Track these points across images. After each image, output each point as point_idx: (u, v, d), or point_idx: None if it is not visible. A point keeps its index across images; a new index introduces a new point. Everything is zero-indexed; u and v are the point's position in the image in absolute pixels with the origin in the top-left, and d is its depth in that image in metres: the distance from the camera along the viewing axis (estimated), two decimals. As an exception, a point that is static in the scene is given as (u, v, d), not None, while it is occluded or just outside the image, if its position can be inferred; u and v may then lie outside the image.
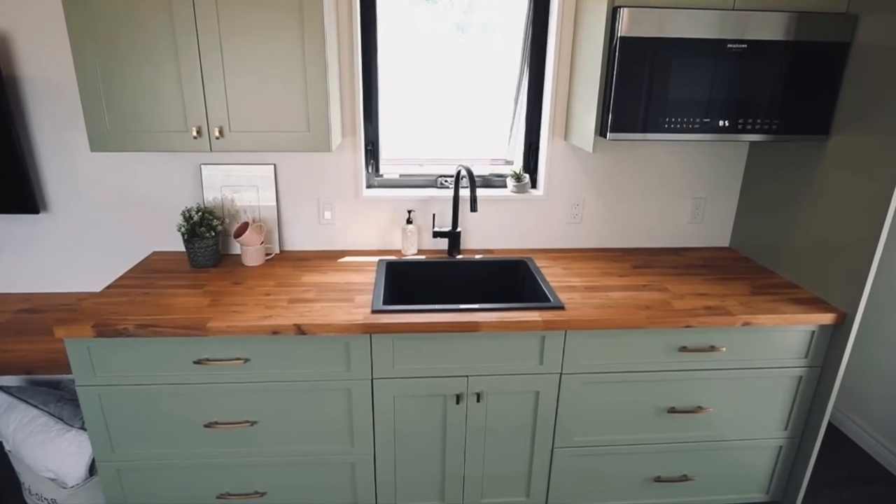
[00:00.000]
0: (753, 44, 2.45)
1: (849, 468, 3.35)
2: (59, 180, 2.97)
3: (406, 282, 3.06)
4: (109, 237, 3.08)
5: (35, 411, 2.78)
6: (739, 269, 3.02)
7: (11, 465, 3.17)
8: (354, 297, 2.58)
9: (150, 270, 2.87)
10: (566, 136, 3.05)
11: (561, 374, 2.56)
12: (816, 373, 2.68)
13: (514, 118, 3.24)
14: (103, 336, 2.30)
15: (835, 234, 2.59)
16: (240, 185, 3.01)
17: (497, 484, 2.76)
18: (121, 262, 3.12)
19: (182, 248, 3.08)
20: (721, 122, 2.54)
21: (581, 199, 3.21)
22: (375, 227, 3.16)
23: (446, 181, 3.23)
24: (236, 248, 3.10)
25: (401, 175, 3.24)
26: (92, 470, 2.71)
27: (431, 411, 2.59)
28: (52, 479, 2.72)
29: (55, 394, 2.94)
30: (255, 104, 2.49)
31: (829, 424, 3.73)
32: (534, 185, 3.28)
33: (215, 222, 2.91)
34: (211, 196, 3.01)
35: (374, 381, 2.50)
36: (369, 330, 2.36)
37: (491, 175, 3.27)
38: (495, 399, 2.59)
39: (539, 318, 2.42)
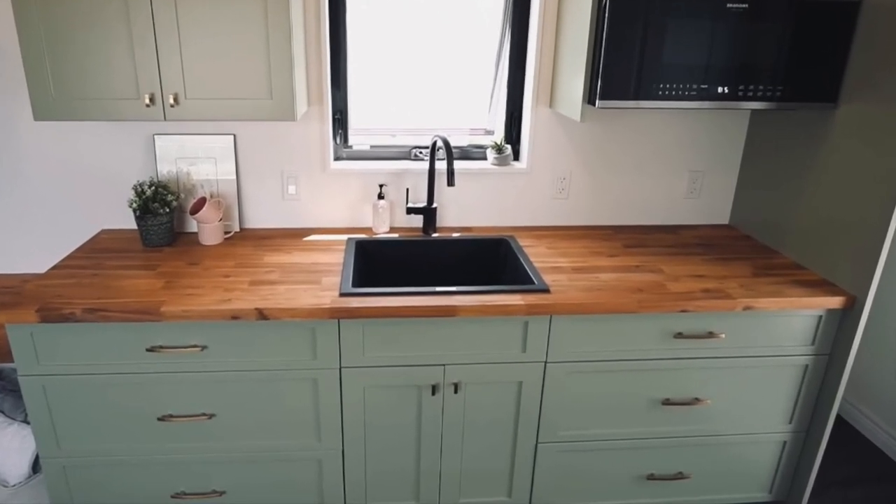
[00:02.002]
0: (755, 3, 2.49)
1: (859, 465, 3.41)
2: (-3, 152, 3.01)
3: (377, 262, 3.11)
4: (54, 214, 3.13)
5: (-27, 404, 2.81)
6: (740, 249, 3.09)
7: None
8: (321, 279, 2.63)
9: (99, 250, 2.92)
10: (551, 104, 3.11)
11: (545, 362, 2.62)
12: (824, 361, 2.74)
13: (494, 84, 3.29)
14: (48, 321, 2.34)
15: (843, 211, 2.65)
16: (196, 158, 3.06)
17: (476, 482, 2.83)
18: (67, 242, 3.17)
19: (133, 225, 3.12)
20: (720, 89, 2.60)
21: (568, 173, 3.27)
22: (344, 202, 3.22)
23: (421, 153, 3.29)
24: (192, 225, 3.15)
25: (372, 146, 3.29)
26: (36, 467, 2.76)
27: (405, 403, 2.65)
28: (-7, 477, 2.76)
29: (-5, 385, 2.98)
30: (214, 69, 2.53)
31: (838, 418, 3.79)
32: (516, 157, 3.33)
33: (170, 197, 2.96)
34: (165, 169, 3.06)
35: (343, 370, 2.55)
36: (337, 315, 2.41)
37: (469, 146, 3.33)
38: (474, 390, 2.65)
39: (522, 302, 2.47)
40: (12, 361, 2.47)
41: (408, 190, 3.16)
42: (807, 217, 2.86)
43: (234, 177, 3.11)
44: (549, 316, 2.54)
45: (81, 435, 2.60)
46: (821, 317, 2.67)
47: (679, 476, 2.91)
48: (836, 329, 2.69)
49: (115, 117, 2.56)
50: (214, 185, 3.11)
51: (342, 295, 2.49)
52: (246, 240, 3.08)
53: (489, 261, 3.17)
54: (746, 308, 2.56)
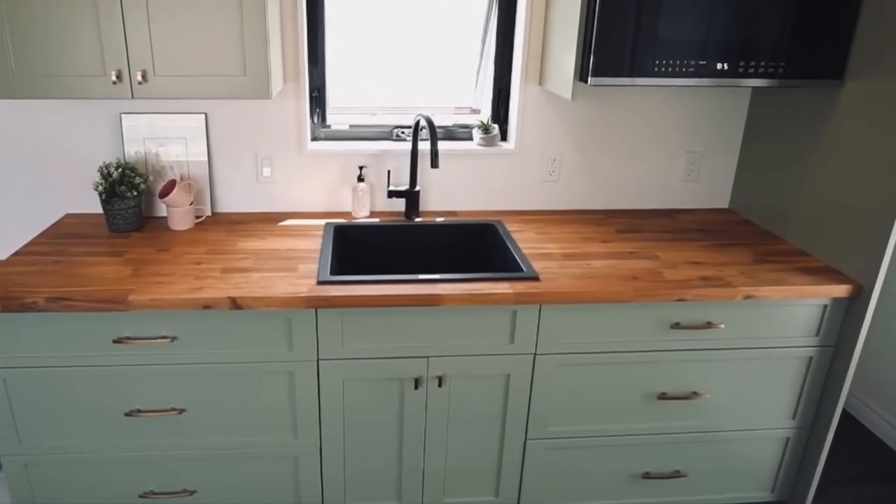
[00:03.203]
0: (756, -27, 2.52)
1: (866, 463, 3.45)
2: (-47, 132, 3.03)
3: (357, 248, 3.15)
4: (15, 198, 3.16)
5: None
6: (740, 234, 3.13)
7: None
8: (298, 267, 2.67)
9: (63, 235, 2.95)
10: (541, 81, 3.14)
11: (535, 354, 2.66)
12: (829, 353, 2.79)
13: (481, 60, 3.32)
14: (8, 311, 2.36)
15: (850, 195, 2.68)
16: (166, 138, 3.09)
17: (462, 481, 2.87)
18: (29, 227, 3.20)
19: (99, 209, 3.13)
20: (719, 65, 2.63)
21: (558, 154, 3.31)
22: (322, 185, 3.25)
23: (403, 133, 3.31)
24: (162, 209, 3.17)
25: (351, 126, 3.32)
26: (-4, 465, 2.80)
27: (386, 397, 2.69)
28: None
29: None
30: (184, 44, 2.56)
31: (844, 412, 3.83)
32: (504, 137, 3.37)
33: (137, 180, 2.98)
34: (133, 150, 3.09)
35: (321, 362, 2.58)
36: (315, 304, 2.44)
37: (454, 126, 3.37)
38: (459, 383, 2.69)
39: (510, 291, 2.51)
40: (-30, 354, 2.49)
41: (389, 172, 3.19)
42: (811, 200, 2.89)
43: (206, 158, 3.14)
44: (538, 305, 2.57)
45: (44, 431, 2.63)
46: (826, 306, 2.70)
47: (676, 475, 2.96)
48: (842, 319, 2.73)
49: (79, 95, 2.58)
50: (185, 167, 3.14)
51: (320, 283, 2.52)
52: (218, 225, 3.10)
53: (475, 247, 3.21)
54: (747, 297, 2.59)
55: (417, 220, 3.21)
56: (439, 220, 3.22)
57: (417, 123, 3.07)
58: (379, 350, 2.59)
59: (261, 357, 2.56)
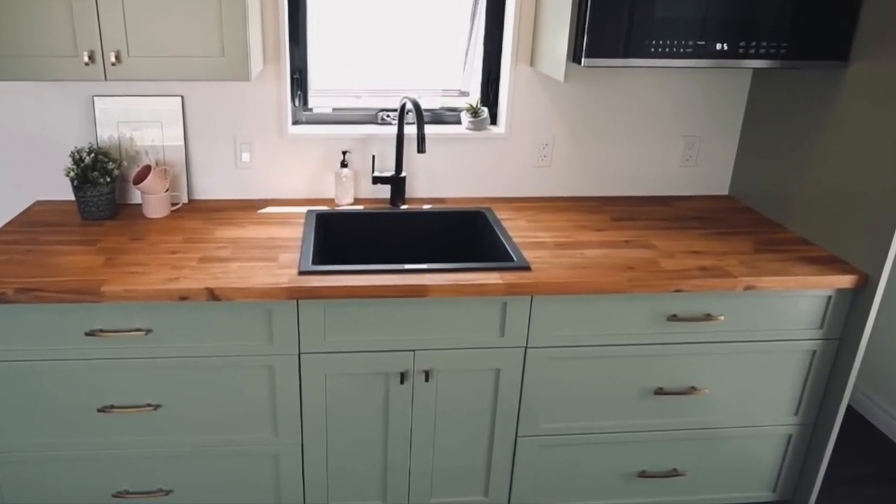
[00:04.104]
0: (757, -50, 2.54)
1: (872, 461, 3.48)
2: (-84, 115, 3.03)
3: (340, 237, 3.17)
4: (-18, 184, 3.16)
5: None
6: (740, 222, 3.15)
7: None
8: (278, 256, 2.69)
9: (33, 223, 2.96)
10: (533, 63, 3.16)
11: (526, 347, 2.68)
12: (833, 346, 2.82)
13: (469, 40, 3.34)
14: None
15: (855, 180, 2.71)
16: (140, 122, 3.11)
17: (449, 480, 2.90)
18: (-4, 215, 3.20)
19: (71, 196, 3.13)
20: (719, 46, 2.65)
21: (550, 139, 3.34)
22: (303, 171, 3.28)
23: (388, 116, 3.34)
24: (136, 196, 3.18)
25: (334, 109, 3.34)
26: (-37, 464, 2.82)
27: (371, 393, 2.71)
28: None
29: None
30: (160, 23, 2.57)
31: (849, 409, 3.85)
32: (493, 120, 3.39)
33: (111, 166, 3.00)
34: (106, 134, 3.11)
35: (302, 356, 2.61)
36: (296, 295, 2.46)
37: (442, 109, 3.39)
38: (447, 378, 2.72)
39: (500, 281, 2.53)
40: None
41: (374, 157, 3.21)
42: (814, 187, 2.92)
43: (182, 143, 3.16)
44: (529, 296, 2.60)
45: (13, 428, 2.65)
46: (830, 297, 2.73)
47: (673, 473, 2.99)
48: (847, 311, 2.76)
49: (50, 77, 2.61)
50: (160, 152, 3.16)
51: (301, 273, 2.54)
52: (195, 212, 3.12)
53: (464, 235, 3.23)
54: (748, 288, 2.62)
55: (403, 207, 3.23)
56: (426, 207, 3.24)
57: (403, 106, 3.08)
58: (363, 343, 2.61)
59: (239, 351, 2.58)
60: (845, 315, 2.77)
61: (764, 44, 2.67)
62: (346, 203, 3.25)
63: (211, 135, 3.19)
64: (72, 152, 3.01)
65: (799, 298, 2.71)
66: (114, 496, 2.80)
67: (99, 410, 2.62)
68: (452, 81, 3.42)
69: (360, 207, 3.22)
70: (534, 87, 3.24)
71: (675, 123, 3.38)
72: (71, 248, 2.73)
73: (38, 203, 3.20)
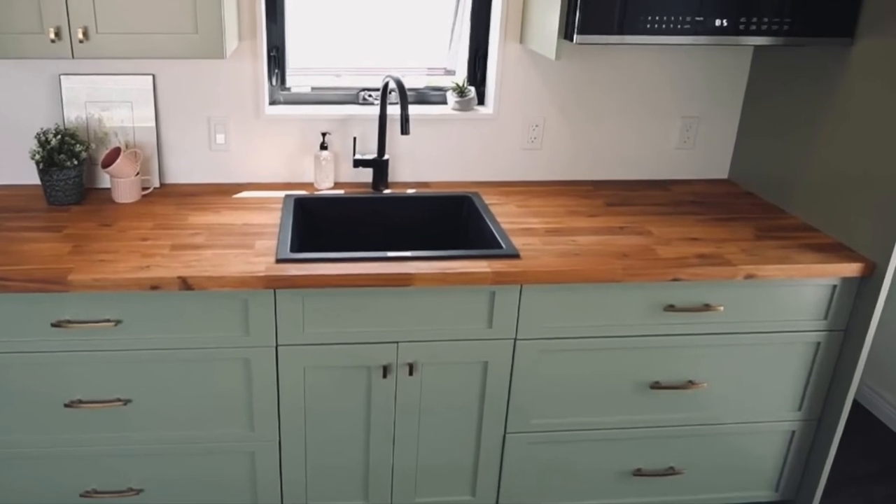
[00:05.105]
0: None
1: (879, 459, 3.52)
2: None
3: (320, 223, 3.19)
4: (-60, 168, 3.16)
5: None
6: (741, 208, 3.18)
7: None
8: (254, 243, 2.71)
9: (-5, 209, 2.96)
10: (522, 40, 3.18)
11: (515, 339, 2.71)
12: (838, 338, 2.84)
13: (456, 16, 3.35)
14: None
15: (861, 163, 2.73)
16: (110, 102, 3.12)
17: (435, 478, 2.92)
18: (-43, 201, 3.21)
19: (36, 180, 3.11)
20: (718, 22, 2.67)
21: (541, 119, 3.36)
22: (281, 153, 3.29)
23: (370, 96, 3.35)
24: (105, 180, 3.18)
25: (313, 88, 3.36)
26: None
27: (352, 387, 2.73)
28: None
29: None
30: (130, -2, 2.56)
31: (855, 403, 3.87)
32: (481, 100, 3.40)
33: (78, 148, 3.00)
34: (73, 115, 3.12)
35: (280, 348, 2.63)
36: (273, 284, 2.48)
37: (427, 88, 3.41)
38: (432, 371, 2.74)
39: (488, 270, 2.55)
40: None
41: (355, 139, 3.23)
42: (818, 170, 2.94)
43: (154, 124, 3.18)
44: (519, 285, 2.62)
45: (-26, 424, 2.65)
46: (835, 286, 2.75)
47: (670, 472, 3.01)
48: (853, 300, 2.78)
49: (13, 55, 2.61)
50: (130, 134, 3.17)
51: (279, 261, 2.56)
52: (167, 197, 3.14)
53: (450, 221, 3.25)
54: (748, 276, 2.64)
55: (386, 191, 3.25)
56: (410, 191, 3.26)
57: (386, 86, 3.10)
58: (344, 335, 2.63)
59: (214, 342, 2.60)
60: (851, 305, 2.79)
61: (766, 20, 2.68)
62: (325, 187, 3.27)
63: (184, 115, 3.20)
64: (37, 134, 3.02)
65: (802, 287, 2.73)
66: (81, 496, 2.81)
67: (66, 406, 2.64)
68: (438, 59, 3.44)
69: (340, 192, 3.24)
70: (523, 65, 3.26)
71: (672, 104, 3.40)
72: (36, 234, 2.74)
73: (0, 187, 3.21)
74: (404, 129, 2.89)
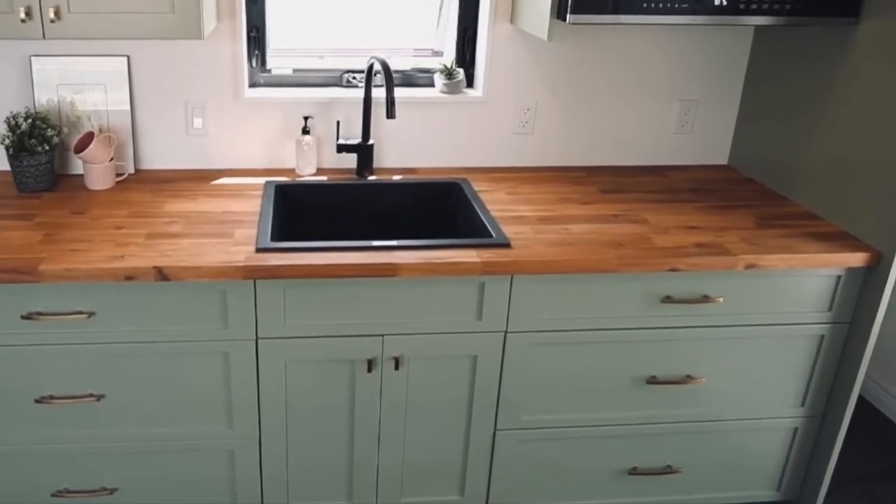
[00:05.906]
0: None
1: (886, 456, 3.54)
2: None
3: (302, 211, 3.20)
4: None
5: None
6: (741, 195, 3.19)
7: None
8: (234, 232, 2.72)
9: (-38, 197, 2.96)
10: (513, 19, 3.18)
11: (505, 332, 2.72)
12: (843, 331, 2.86)
13: (443, -6, 3.36)
14: None
15: (866, 149, 2.74)
16: (83, 84, 3.13)
17: (422, 477, 2.94)
18: (-77, 188, 3.21)
19: (6, 166, 3.12)
20: (717, 1, 2.68)
21: (533, 103, 3.37)
22: (261, 138, 3.31)
23: (354, 78, 3.36)
24: (77, 166, 3.18)
25: (294, 70, 3.37)
26: None
27: (335, 382, 2.75)
28: None
29: None
30: (103, -26, 2.56)
31: (860, 399, 3.79)
32: (470, 83, 3.42)
33: (50, 132, 3.01)
34: (44, 98, 3.13)
35: (260, 341, 2.64)
36: (253, 274, 2.49)
37: (413, 70, 3.42)
38: (419, 365, 2.75)
39: (477, 259, 2.56)
40: None
41: (338, 123, 3.24)
42: (822, 156, 2.95)
43: (128, 108, 3.18)
44: (509, 276, 2.63)
45: (-60, 420, 2.65)
46: (839, 277, 2.76)
47: (667, 470, 3.03)
48: (858, 292, 2.79)
49: (-19, 35, 2.60)
50: (104, 118, 3.18)
51: (259, 250, 2.57)
52: (142, 183, 3.14)
53: (437, 209, 3.27)
54: (749, 266, 2.65)
55: (371, 178, 3.27)
56: (396, 178, 3.28)
57: (371, 67, 3.10)
58: (327, 328, 2.65)
59: (191, 335, 2.61)
60: (856, 296, 2.80)
61: (767, -2, 2.68)
62: (307, 173, 3.28)
63: (160, 99, 3.21)
64: (6, 118, 3.02)
65: (805, 278, 2.75)
66: (53, 495, 2.82)
67: (36, 401, 2.65)
68: (425, 40, 3.45)
69: (323, 178, 3.25)
70: (514, 46, 3.27)
71: (669, 86, 3.42)
72: (5, 222, 2.75)
73: (-32, 174, 3.20)
74: (390, 113, 2.90)
